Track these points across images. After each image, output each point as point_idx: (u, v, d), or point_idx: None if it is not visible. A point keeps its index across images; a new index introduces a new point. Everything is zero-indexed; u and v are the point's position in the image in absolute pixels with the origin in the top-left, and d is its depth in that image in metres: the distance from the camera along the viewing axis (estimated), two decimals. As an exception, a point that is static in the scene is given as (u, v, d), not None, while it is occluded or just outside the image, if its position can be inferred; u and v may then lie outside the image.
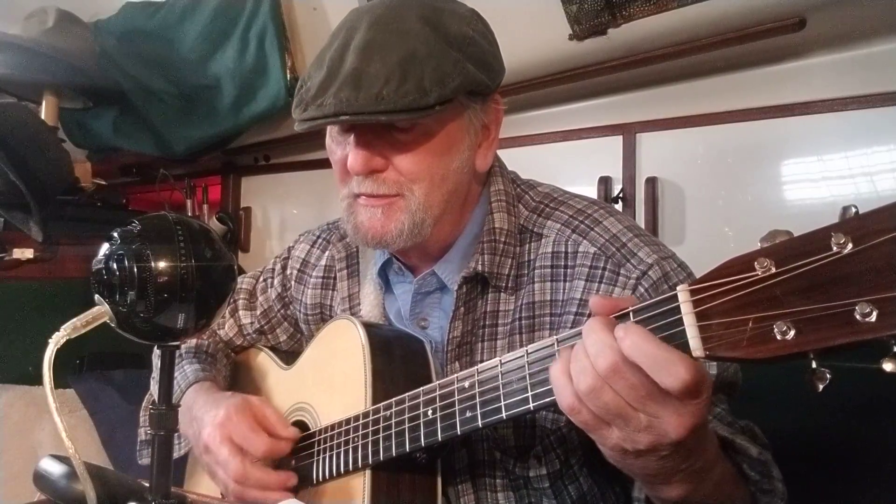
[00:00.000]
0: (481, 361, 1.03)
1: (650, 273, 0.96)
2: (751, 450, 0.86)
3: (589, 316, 0.96)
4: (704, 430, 0.72)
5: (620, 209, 1.59)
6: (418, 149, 0.97)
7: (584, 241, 1.02)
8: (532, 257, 1.05)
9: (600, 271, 0.99)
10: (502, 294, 1.05)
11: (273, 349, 1.36)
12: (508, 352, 1.02)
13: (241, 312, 1.36)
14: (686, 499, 0.75)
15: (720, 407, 0.95)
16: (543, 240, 1.05)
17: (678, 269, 0.99)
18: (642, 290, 0.96)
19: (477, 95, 1.00)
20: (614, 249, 0.99)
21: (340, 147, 1.01)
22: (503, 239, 1.05)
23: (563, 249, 1.03)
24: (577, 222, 1.04)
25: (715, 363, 0.91)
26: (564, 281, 1.02)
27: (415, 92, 0.90)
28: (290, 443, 1.06)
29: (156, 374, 1.28)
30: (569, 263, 1.02)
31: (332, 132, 1.03)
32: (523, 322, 1.03)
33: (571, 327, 0.98)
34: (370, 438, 0.97)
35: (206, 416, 1.09)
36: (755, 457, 0.86)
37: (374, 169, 0.97)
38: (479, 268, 1.03)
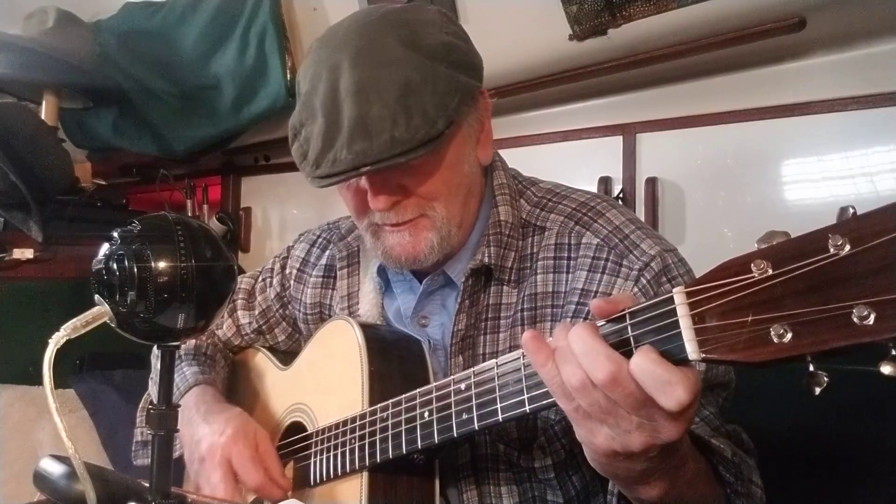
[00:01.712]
0: (484, 354, 1.03)
1: (652, 265, 0.96)
2: (725, 451, 0.86)
3: (588, 311, 0.97)
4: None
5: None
6: (432, 169, 0.98)
7: (588, 233, 1.02)
8: (535, 250, 1.06)
9: (603, 262, 0.99)
10: (505, 287, 1.05)
11: (271, 349, 1.36)
12: (510, 344, 1.02)
13: (239, 312, 1.36)
14: (662, 498, 0.75)
15: (708, 410, 0.95)
16: (546, 232, 1.05)
17: (679, 263, 0.99)
18: (644, 281, 0.96)
19: (470, 99, 1.00)
20: (617, 240, 1.00)
21: (351, 184, 1.02)
22: (507, 232, 1.06)
23: (567, 241, 1.03)
24: (580, 214, 1.05)
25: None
26: (567, 272, 1.02)
27: (424, 125, 0.90)
28: (282, 491, 1.05)
29: (154, 374, 1.27)
30: (572, 255, 1.02)
31: None
32: (525, 314, 1.03)
33: (572, 318, 0.99)
34: (367, 440, 0.97)
35: (207, 428, 1.09)
36: (729, 458, 0.86)
37: (395, 201, 0.98)
38: (486, 260, 1.03)
